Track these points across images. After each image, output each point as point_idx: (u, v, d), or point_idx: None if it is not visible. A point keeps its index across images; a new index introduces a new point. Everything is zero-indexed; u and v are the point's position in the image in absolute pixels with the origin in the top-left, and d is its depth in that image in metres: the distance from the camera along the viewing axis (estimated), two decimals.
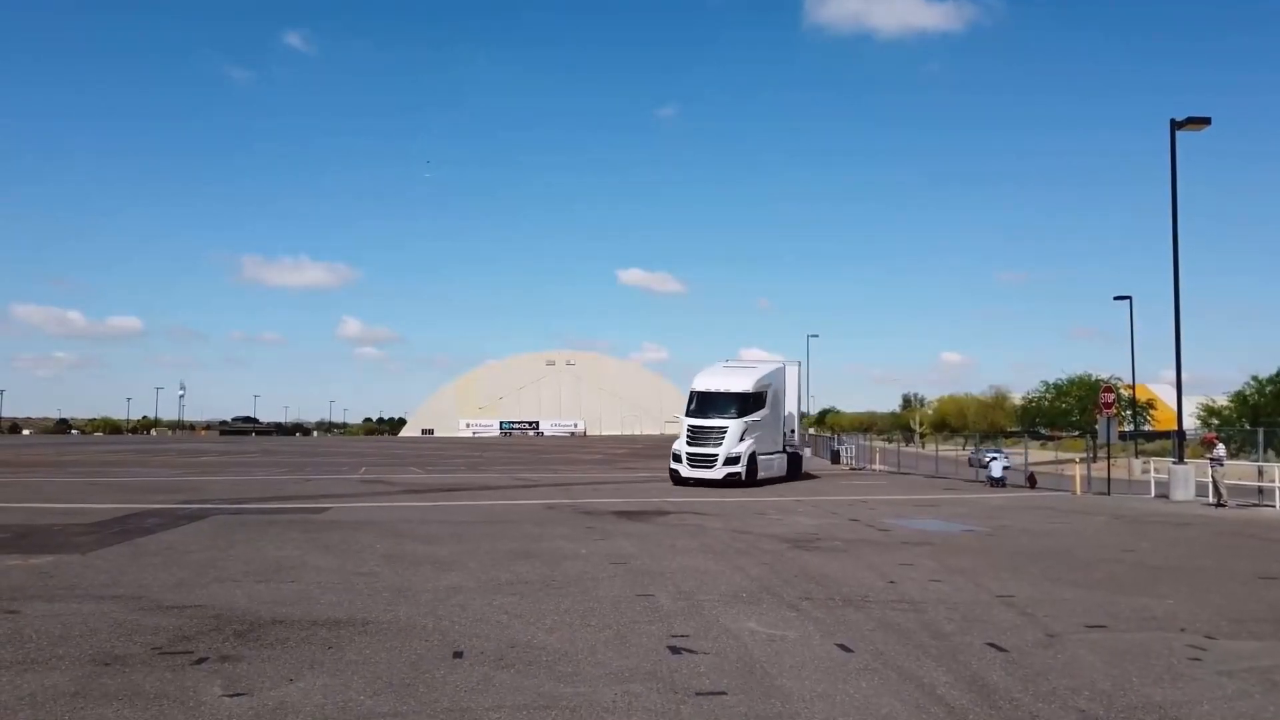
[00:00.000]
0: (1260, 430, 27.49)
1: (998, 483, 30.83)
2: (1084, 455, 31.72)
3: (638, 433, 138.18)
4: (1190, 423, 47.91)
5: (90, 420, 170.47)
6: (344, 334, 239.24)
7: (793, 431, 34.34)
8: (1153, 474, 27.41)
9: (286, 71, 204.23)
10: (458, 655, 6.93)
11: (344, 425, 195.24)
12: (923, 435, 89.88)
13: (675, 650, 7.10)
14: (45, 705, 5.65)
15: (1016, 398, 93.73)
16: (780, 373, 32.31)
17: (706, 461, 27.85)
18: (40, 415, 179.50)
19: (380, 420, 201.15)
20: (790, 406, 33.62)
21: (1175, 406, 26.40)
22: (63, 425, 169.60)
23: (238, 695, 5.88)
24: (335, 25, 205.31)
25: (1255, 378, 55.62)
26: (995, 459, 33.30)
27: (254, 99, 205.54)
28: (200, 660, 6.73)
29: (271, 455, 53.34)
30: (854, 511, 19.76)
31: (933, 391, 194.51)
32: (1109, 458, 28.59)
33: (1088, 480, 27.58)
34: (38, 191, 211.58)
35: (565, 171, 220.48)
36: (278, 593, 9.47)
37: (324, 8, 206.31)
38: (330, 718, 5.49)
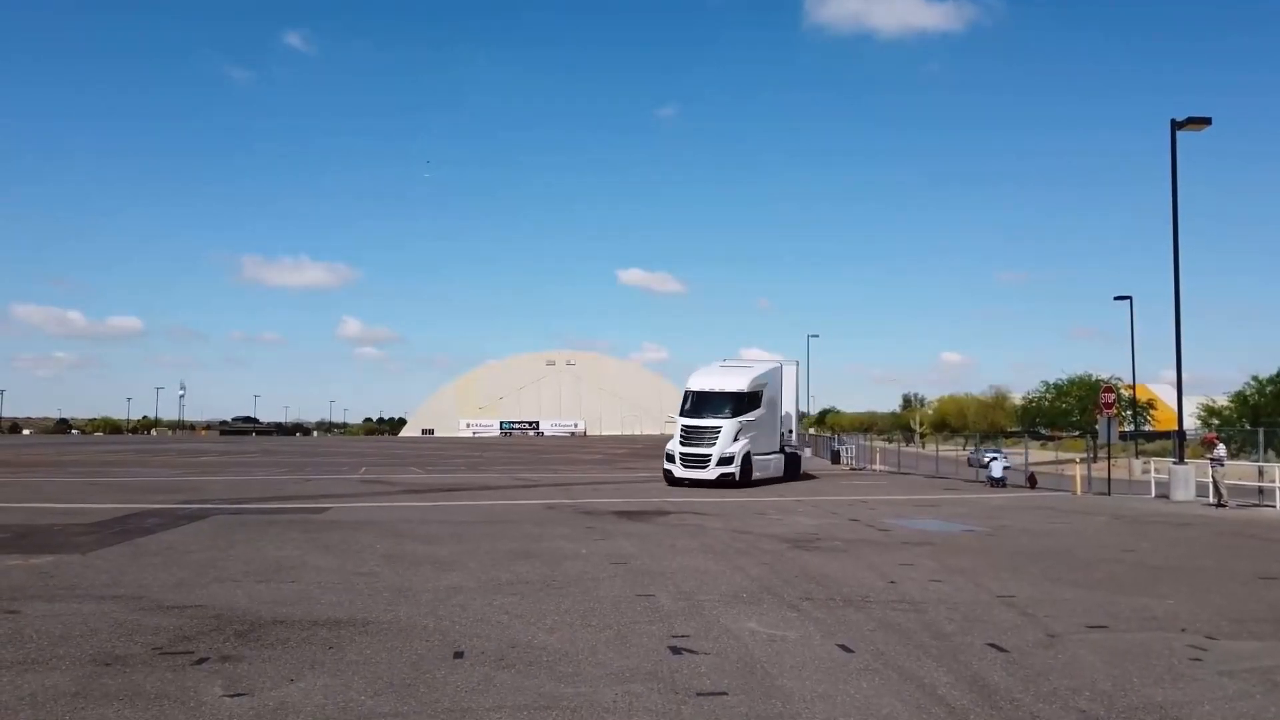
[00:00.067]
0: (1260, 430, 27.49)
1: (998, 483, 30.83)
2: (1084, 455, 31.70)
3: (638, 433, 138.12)
4: (1190, 423, 47.89)
5: (90, 420, 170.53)
6: (344, 334, 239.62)
7: (790, 431, 34.07)
8: (1153, 474, 27.40)
9: (286, 71, 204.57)
10: (458, 655, 6.93)
11: (344, 425, 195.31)
12: (923, 435, 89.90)
13: (676, 650, 7.10)
14: (46, 705, 5.65)
15: (1017, 398, 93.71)
16: (777, 372, 32.06)
17: (700, 461, 27.60)
18: (40, 415, 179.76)
19: (380, 420, 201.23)
20: (788, 406, 33.36)
21: (1175, 407, 26.39)
22: (63, 425, 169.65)
23: (238, 695, 5.88)
24: (335, 25, 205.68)
25: (1255, 378, 55.66)
26: (995, 459, 33.30)
27: (254, 99, 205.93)
28: (201, 660, 6.73)
29: (271, 455, 53.34)
30: (854, 511, 19.76)
31: (933, 391, 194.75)
32: (1109, 458, 28.59)
33: (1088, 480, 27.57)
34: (38, 191, 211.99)
35: (565, 171, 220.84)
36: (278, 593, 9.47)
37: (324, 8, 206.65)
38: (331, 718, 5.49)
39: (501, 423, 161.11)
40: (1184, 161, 25.99)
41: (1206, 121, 24.91)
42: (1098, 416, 29.11)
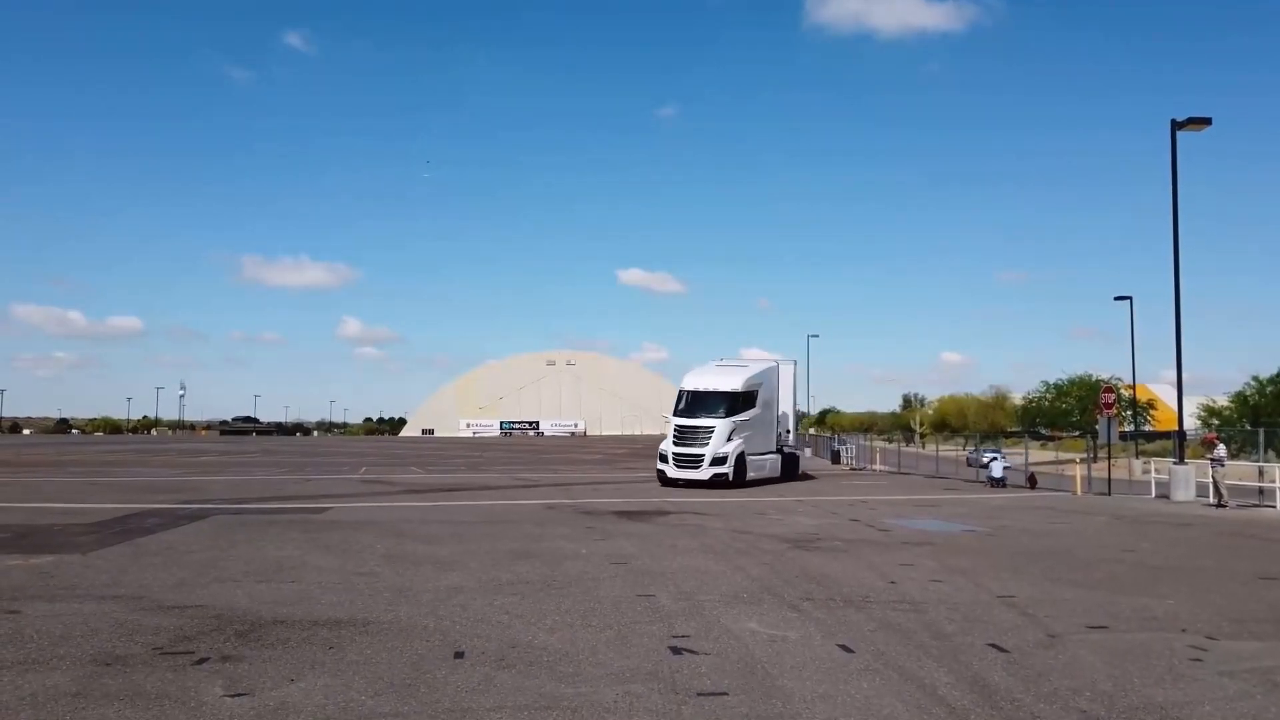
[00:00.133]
0: (1261, 431, 27.48)
1: (998, 483, 30.83)
2: (1084, 455, 31.70)
3: (638, 433, 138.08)
4: (1191, 423, 47.88)
5: (90, 420, 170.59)
6: (344, 334, 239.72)
7: (788, 431, 33.82)
8: (1153, 474, 27.40)
9: (286, 71, 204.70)
10: (459, 655, 6.93)
11: (344, 425, 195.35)
12: (923, 435, 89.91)
13: (676, 651, 7.10)
14: (46, 705, 5.65)
15: (1017, 398, 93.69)
16: (773, 371, 31.81)
17: (693, 461, 27.37)
18: (40, 415, 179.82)
19: (380, 420, 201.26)
20: (785, 406, 33.06)
21: (1176, 407, 26.39)
22: (63, 425, 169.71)
23: (239, 695, 5.88)
24: (335, 25, 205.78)
25: (1256, 378, 55.63)
26: (995, 459, 33.30)
27: (254, 99, 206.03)
28: (201, 660, 6.73)
29: (272, 455, 53.34)
30: (854, 512, 19.76)
31: (933, 391, 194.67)
32: (1109, 458, 28.58)
33: (1088, 480, 27.57)
34: (38, 191, 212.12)
35: (565, 171, 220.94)
36: (278, 593, 9.47)
37: (324, 8, 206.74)
38: (332, 718, 5.49)
39: (501, 423, 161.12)
40: (1184, 161, 26.00)
41: (1207, 121, 24.90)
42: (1098, 416, 29.11)
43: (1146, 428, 71.90)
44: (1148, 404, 75.40)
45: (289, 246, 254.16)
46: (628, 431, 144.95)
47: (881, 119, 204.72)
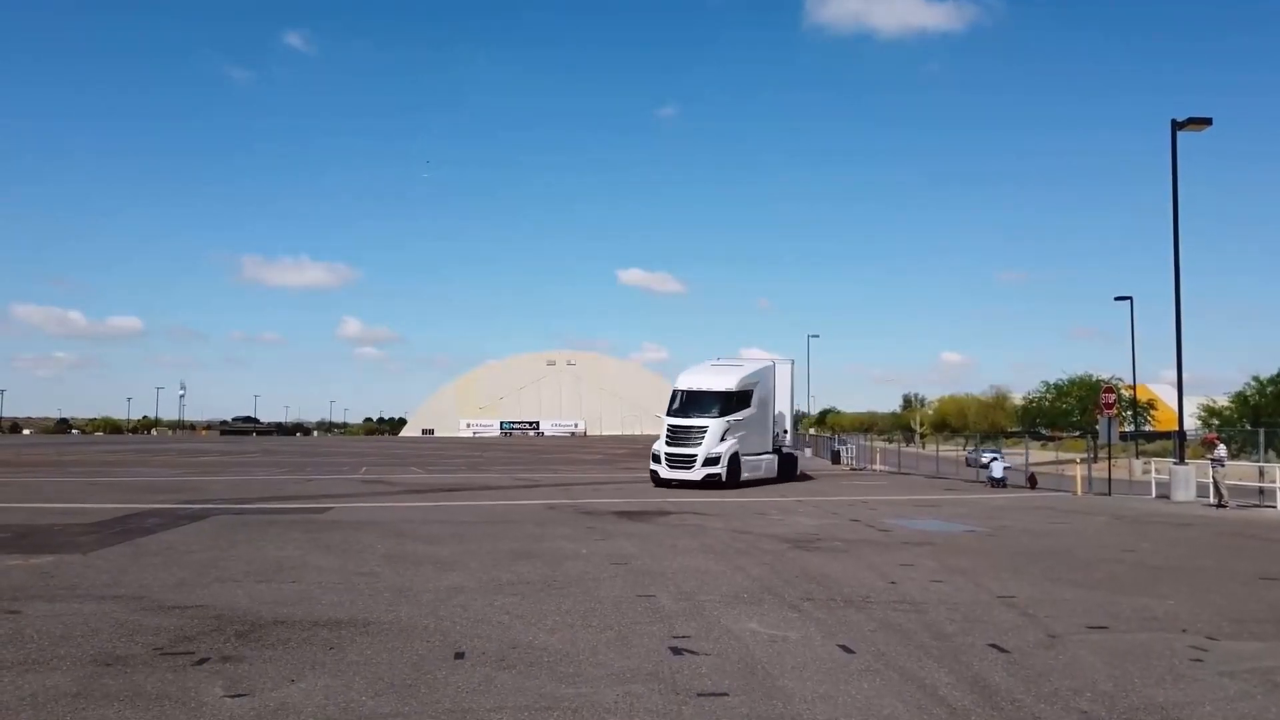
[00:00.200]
0: (1261, 431, 27.45)
1: (998, 483, 30.82)
2: (1085, 456, 31.69)
3: (638, 433, 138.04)
4: (1191, 423, 47.87)
5: (91, 420, 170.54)
6: (344, 334, 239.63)
7: (785, 431, 33.48)
8: (1153, 474, 27.41)
9: (286, 71, 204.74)
10: (459, 656, 6.93)
11: (344, 425, 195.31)
12: (923, 435, 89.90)
13: (677, 651, 7.10)
14: (47, 706, 5.65)
15: (1017, 398, 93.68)
16: (769, 371, 31.50)
17: (685, 462, 27.13)
18: (41, 415, 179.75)
19: (380, 420, 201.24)
20: (782, 406, 32.74)
21: (1176, 407, 26.40)
22: (63, 425, 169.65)
23: (239, 696, 5.88)
24: (335, 25, 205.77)
25: (1256, 378, 55.64)
26: (995, 459, 33.29)
27: (254, 99, 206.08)
28: (202, 661, 6.73)
29: (272, 455, 53.35)
30: (855, 512, 19.76)
31: (933, 391, 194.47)
32: (1110, 458, 28.58)
33: (1088, 481, 27.56)
34: (38, 191, 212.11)
35: (565, 171, 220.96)
36: (279, 593, 9.47)
37: (324, 8, 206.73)
38: (332, 718, 5.49)
39: (502, 423, 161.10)
40: (1184, 161, 25.98)
41: (1207, 122, 24.89)
42: (1098, 417, 29.11)
43: (1147, 428, 71.91)
44: (1148, 404, 75.41)
45: (289, 246, 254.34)
46: (628, 431, 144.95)
47: (881, 119, 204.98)
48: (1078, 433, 63.22)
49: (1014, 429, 76.07)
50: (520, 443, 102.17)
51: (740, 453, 27.97)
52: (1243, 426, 45.81)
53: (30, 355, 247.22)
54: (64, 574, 10.57)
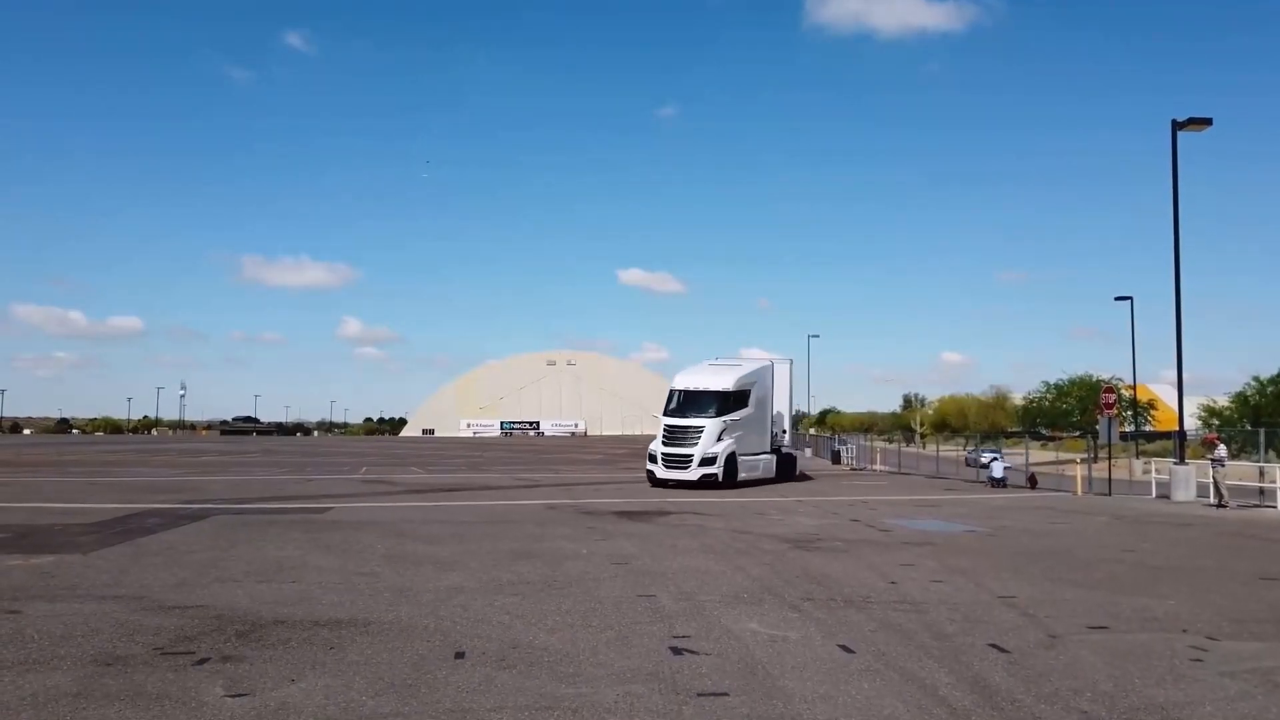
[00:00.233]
0: (1261, 431, 27.44)
1: (999, 483, 30.83)
2: (1085, 456, 31.69)
3: (638, 433, 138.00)
4: (1191, 423, 47.89)
5: (91, 420, 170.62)
6: (344, 334, 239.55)
7: (784, 431, 33.36)
8: (1154, 474, 27.40)
9: (286, 71, 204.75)
10: (459, 656, 6.93)
11: (344, 425, 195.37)
12: (923, 435, 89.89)
13: (677, 651, 7.10)
14: (47, 706, 5.65)
15: (1017, 398, 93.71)
16: (767, 371, 31.34)
17: (681, 462, 27.04)
18: (41, 415, 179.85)
19: (381, 420, 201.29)
20: (781, 405, 32.58)
21: (1176, 407, 26.42)
22: (63, 425, 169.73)
23: (239, 696, 5.89)
24: (335, 25, 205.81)
25: (1256, 378, 55.69)
26: (995, 459, 33.29)
27: (254, 99, 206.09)
28: (202, 660, 6.73)
29: (272, 455, 53.35)
30: (855, 512, 19.76)
31: (933, 391, 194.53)
32: (1110, 458, 28.58)
33: (1088, 481, 27.56)
34: (38, 191, 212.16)
35: (565, 171, 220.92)
36: (279, 593, 9.48)
37: (324, 8, 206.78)
38: (332, 718, 5.49)
39: (502, 423, 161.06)
40: (1184, 161, 25.97)
41: (1207, 122, 24.88)
42: (1098, 417, 29.11)
43: (1147, 428, 71.91)
44: (1148, 404, 75.41)
45: (289, 246, 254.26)
46: (628, 431, 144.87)
47: (881, 119, 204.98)
48: (1078, 433, 63.22)
49: (1014, 429, 76.05)
50: (520, 443, 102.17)
51: (737, 453, 27.85)
52: (1243, 426, 45.82)
53: (30, 355, 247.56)
54: (64, 574, 10.58)
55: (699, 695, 5.95)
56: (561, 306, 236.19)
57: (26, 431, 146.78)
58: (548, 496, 23.76)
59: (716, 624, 8.09)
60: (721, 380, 28.79)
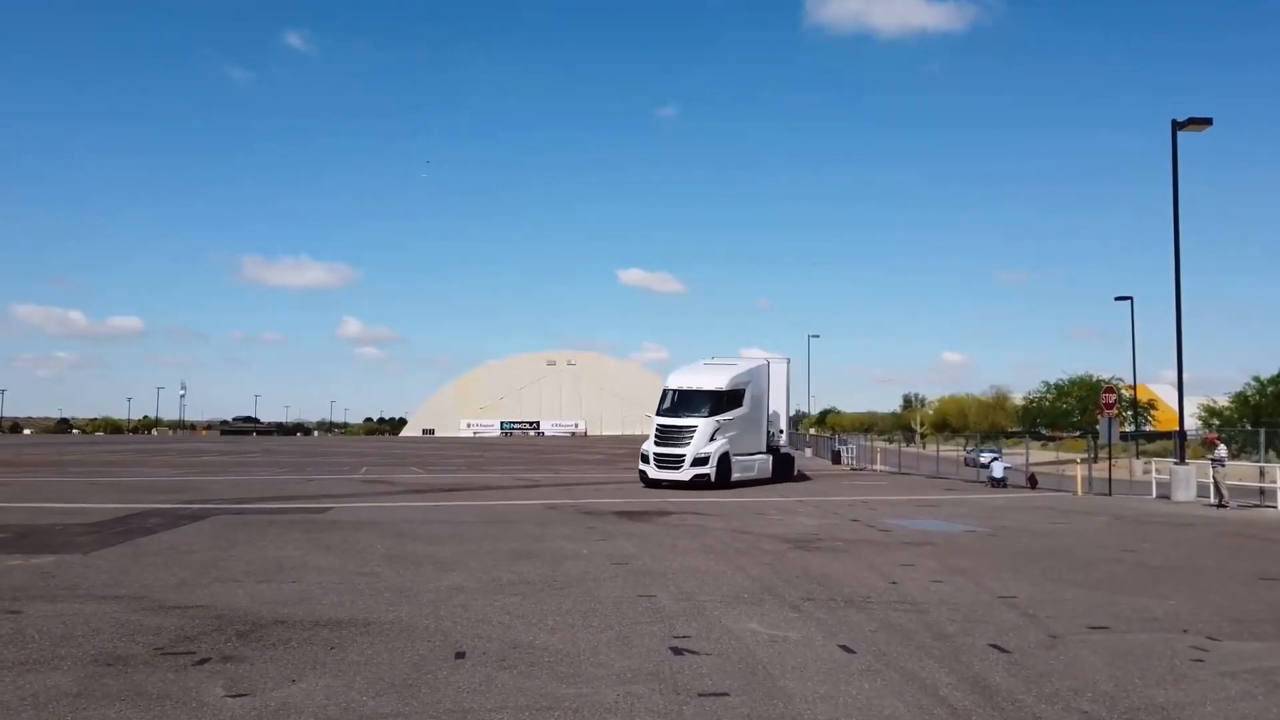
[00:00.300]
0: (1261, 431, 27.44)
1: (999, 483, 30.82)
2: (1085, 456, 31.69)
3: (638, 433, 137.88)
4: (1191, 423, 47.88)
5: (91, 420, 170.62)
6: (344, 334, 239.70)
7: (781, 431, 33.01)
8: (1154, 474, 27.39)
9: (286, 71, 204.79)
10: (460, 656, 6.93)
11: (344, 425, 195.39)
12: (923, 435, 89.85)
13: (677, 651, 7.10)
14: (48, 706, 5.65)
15: (1017, 398, 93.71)
16: (763, 370, 30.92)
17: (673, 462, 26.83)
18: (41, 415, 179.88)
19: (381, 420, 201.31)
20: (777, 405, 32.24)
21: (1176, 407, 26.42)
22: (63, 425, 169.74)
23: (240, 696, 5.88)
24: (335, 25, 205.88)
25: (1256, 378, 55.68)
26: (995, 459, 33.27)
27: (254, 99, 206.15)
28: (202, 661, 6.73)
29: (272, 455, 53.36)
30: (855, 512, 19.76)
31: (933, 391, 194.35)
32: (1110, 458, 28.58)
33: (1089, 481, 27.56)
34: (38, 191, 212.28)
35: (565, 171, 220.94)
36: (280, 593, 9.48)
37: (324, 8, 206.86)
38: (333, 718, 5.49)
39: (502, 423, 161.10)
40: (1184, 161, 25.95)
41: (1207, 122, 24.87)
42: (1098, 417, 29.11)
43: (1147, 428, 71.92)
44: (1148, 404, 75.42)
45: (289, 246, 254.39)
46: (628, 431, 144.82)
47: (881, 119, 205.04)
48: (1078, 433, 63.23)
49: (1014, 429, 76.07)
50: (520, 443, 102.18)
51: (731, 453, 27.61)
52: (1243, 426, 45.81)
53: (31, 355, 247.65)
54: (65, 574, 10.57)
55: (699, 695, 5.95)
56: (561, 306, 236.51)
57: (26, 431, 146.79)
58: (548, 496, 23.76)
59: (717, 624, 8.09)
60: (715, 379, 28.53)
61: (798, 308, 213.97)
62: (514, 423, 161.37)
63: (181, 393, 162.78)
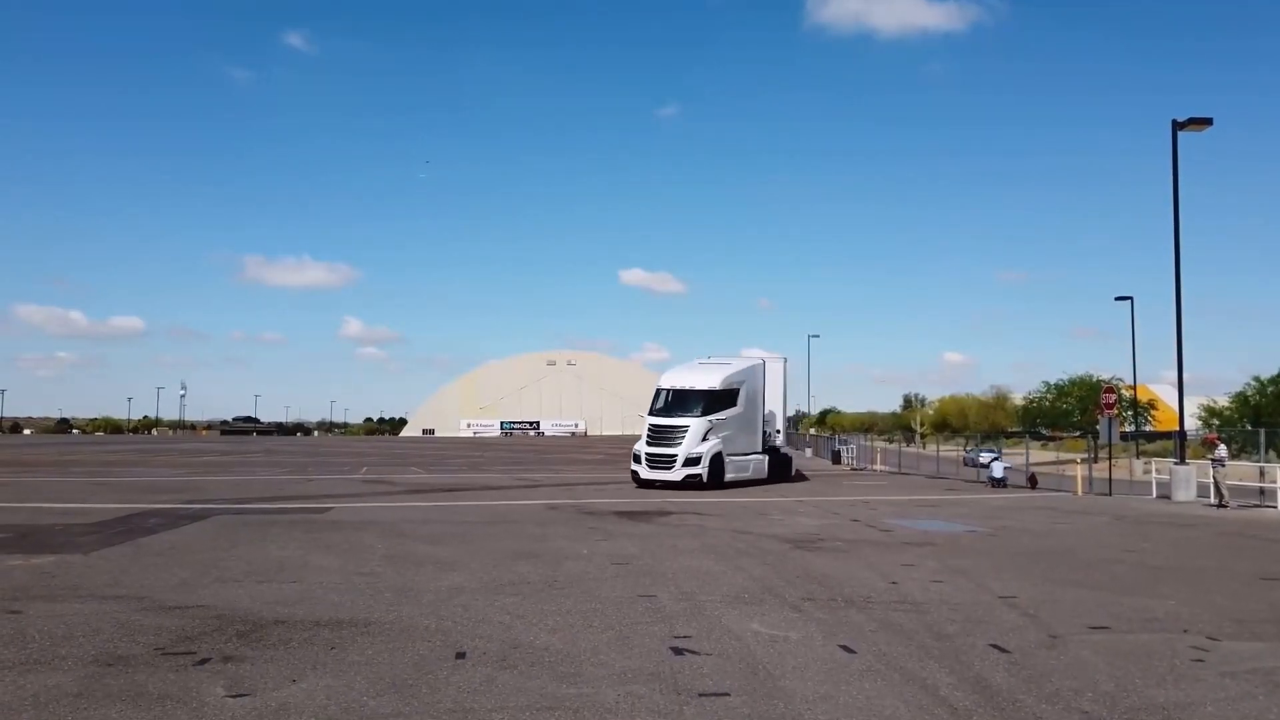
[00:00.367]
0: (1262, 431, 27.44)
1: (999, 483, 30.82)
2: (1085, 456, 31.69)
3: (638, 433, 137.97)
4: (1191, 423, 47.88)
5: (91, 420, 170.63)
6: (345, 334, 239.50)
7: (777, 431, 32.74)
8: (1154, 474, 27.38)
9: (286, 71, 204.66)
10: (460, 656, 6.93)
11: (345, 425, 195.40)
12: (924, 436, 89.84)
13: (678, 651, 7.11)
14: (49, 706, 5.66)
15: (1018, 398, 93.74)
16: (758, 369, 30.66)
17: (665, 462, 26.68)
18: (41, 415, 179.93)
19: (381, 420, 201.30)
20: (773, 405, 31.99)
21: (1177, 407, 26.42)
22: (64, 425, 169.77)
23: (240, 696, 5.89)
24: (335, 25, 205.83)
25: (1256, 378, 55.68)
26: (995, 459, 33.26)
27: (254, 99, 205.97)
28: (203, 661, 6.73)
29: (273, 455, 53.36)
30: (855, 512, 19.76)
31: (934, 392, 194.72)
32: (1110, 458, 28.58)
33: (1089, 481, 27.56)
34: (38, 191, 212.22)
35: (565, 171, 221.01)
36: (280, 593, 9.48)
37: (324, 8, 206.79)
38: (333, 718, 5.49)
39: (502, 423, 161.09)
40: (1184, 161, 25.95)
41: (1208, 122, 24.86)
42: (1099, 417, 29.11)
43: (1147, 428, 71.93)
44: (1148, 404, 75.43)
45: (290, 246, 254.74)
46: (628, 432, 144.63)
47: (881, 119, 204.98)
48: (1078, 433, 63.27)
49: (1014, 429, 76.07)
50: (521, 443, 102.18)
51: (725, 453, 27.43)
52: (1243, 426, 45.81)
53: (31, 355, 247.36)
54: (65, 574, 10.58)
55: (700, 695, 5.95)
56: (561, 306, 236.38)
57: (27, 431, 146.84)
58: (548, 496, 23.76)
59: (717, 624, 8.09)
60: (708, 379, 28.34)
61: (798, 308, 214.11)
62: (514, 423, 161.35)
63: (182, 393, 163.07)
